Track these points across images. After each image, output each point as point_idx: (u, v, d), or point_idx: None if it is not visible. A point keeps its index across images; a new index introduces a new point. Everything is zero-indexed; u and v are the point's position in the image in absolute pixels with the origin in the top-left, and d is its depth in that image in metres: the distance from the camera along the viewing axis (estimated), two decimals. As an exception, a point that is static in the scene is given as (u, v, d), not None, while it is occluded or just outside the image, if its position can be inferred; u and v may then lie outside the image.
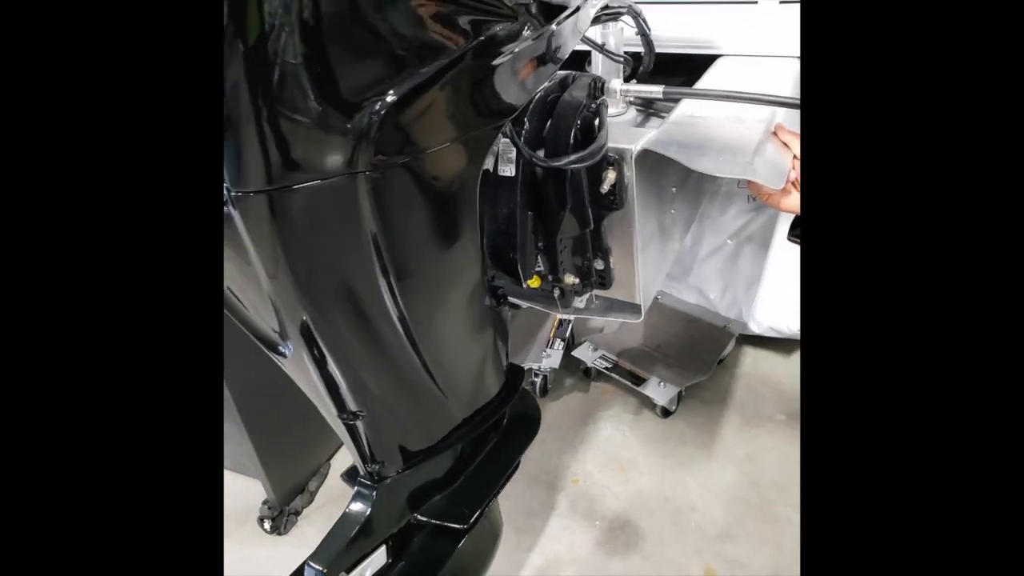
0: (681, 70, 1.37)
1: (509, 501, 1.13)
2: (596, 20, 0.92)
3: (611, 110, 1.08)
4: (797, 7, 1.34)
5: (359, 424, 0.76)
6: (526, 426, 1.14)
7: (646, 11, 1.12)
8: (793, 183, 0.98)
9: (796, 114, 1.15)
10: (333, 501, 1.76)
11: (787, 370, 2.06)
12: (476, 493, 0.99)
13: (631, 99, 1.10)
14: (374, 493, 0.83)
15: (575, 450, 1.81)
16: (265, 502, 1.67)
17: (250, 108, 0.44)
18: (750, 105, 1.01)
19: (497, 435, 1.06)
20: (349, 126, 0.49)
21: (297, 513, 1.70)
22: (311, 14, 0.43)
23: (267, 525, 1.65)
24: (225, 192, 0.48)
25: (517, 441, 1.10)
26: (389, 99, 0.50)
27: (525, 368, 1.86)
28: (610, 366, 1.95)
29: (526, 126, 0.85)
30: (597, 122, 0.90)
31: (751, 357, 2.11)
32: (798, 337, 2.04)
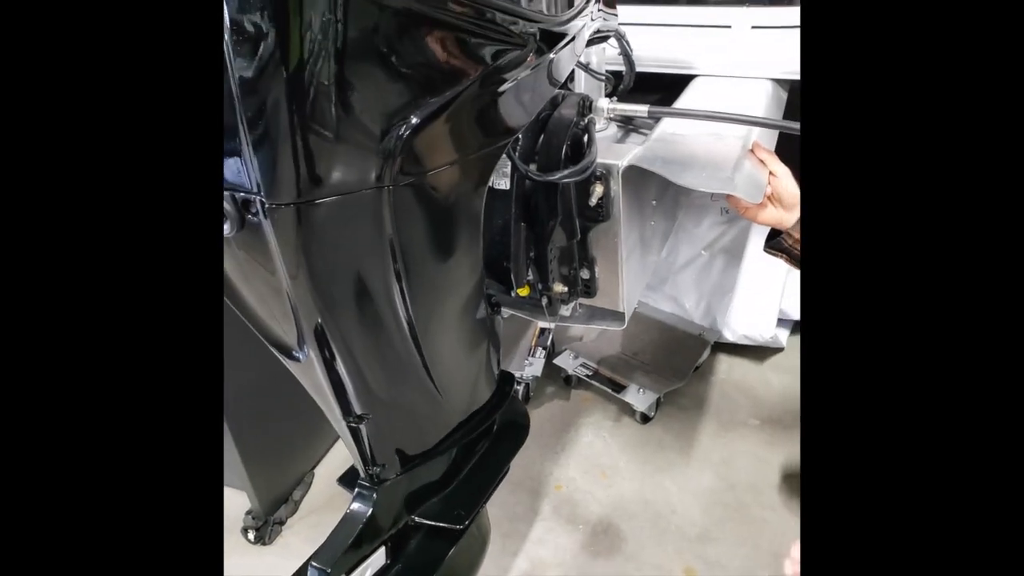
0: (655, 87, 1.44)
1: (494, 507, 1.16)
2: (588, 43, 0.97)
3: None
4: (768, 31, 1.42)
5: (363, 427, 0.78)
6: (516, 432, 1.17)
7: (628, 32, 1.18)
8: (769, 198, 1.05)
9: (772, 133, 1.22)
10: (317, 511, 1.76)
11: (760, 377, 2.13)
12: (470, 496, 1.01)
13: (614, 116, 1.15)
14: (374, 495, 0.85)
15: (558, 456, 1.85)
16: (249, 512, 1.66)
17: (288, 127, 0.47)
18: (728, 124, 1.07)
19: (489, 440, 1.09)
20: (379, 147, 0.53)
21: (281, 523, 1.70)
22: (346, 44, 0.47)
23: (251, 535, 1.64)
24: (257, 204, 0.51)
25: (507, 446, 1.13)
26: (413, 121, 0.54)
27: (510, 376, 1.90)
28: (590, 374, 2.00)
29: (520, 141, 0.90)
30: (586, 138, 0.95)
31: (725, 364, 2.18)
32: (770, 345, 2.12)
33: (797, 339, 2.23)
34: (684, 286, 2.23)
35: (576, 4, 0.77)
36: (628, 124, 1.29)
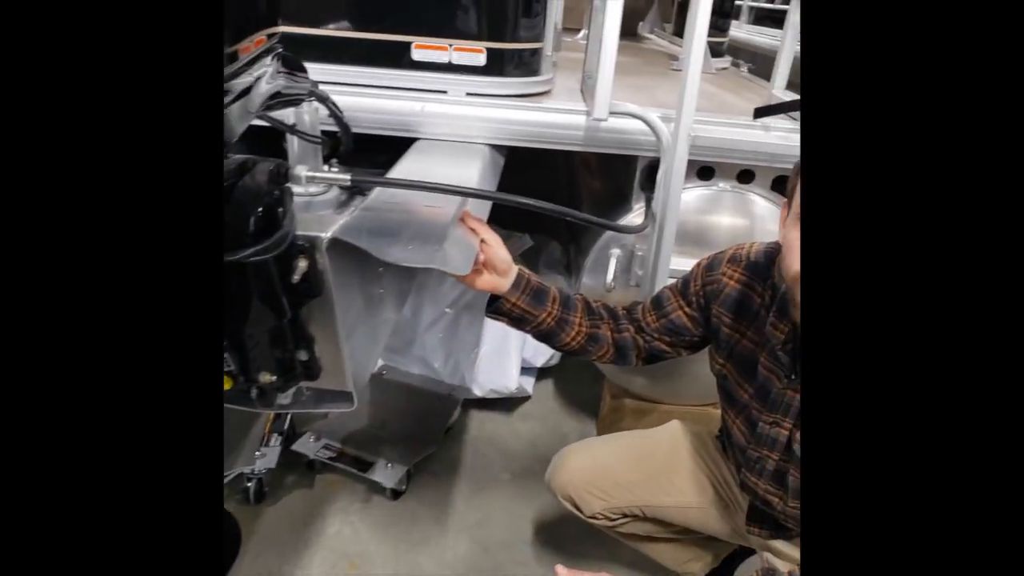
0: (390, 148, 1.40)
1: (216, 640, 0.95)
2: (271, 107, 0.87)
3: (312, 189, 1.02)
4: (482, 99, 1.48)
5: None
6: (224, 547, 0.98)
7: (341, 95, 1.11)
8: (483, 264, 1.04)
9: (484, 204, 1.24)
10: None
11: (509, 428, 2.17)
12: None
13: (317, 182, 1.06)
14: None
15: (298, 556, 1.63)
16: None
17: None
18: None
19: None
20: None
21: None
22: None
23: None
24: None
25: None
26: None
27: (235, 474, 1.65)
28: (334, 455, 1.83)
29: (194, 215, 0.76)
30: (281, 210, 0.85)
31: (476, 420, 2.19)
32: (517, 395, 2.19)
33: (541, 385, 2.35)
34: (431, 346, 2.20)
35: (240, 59, 0.67)
36: (354, 187, 1.21)
